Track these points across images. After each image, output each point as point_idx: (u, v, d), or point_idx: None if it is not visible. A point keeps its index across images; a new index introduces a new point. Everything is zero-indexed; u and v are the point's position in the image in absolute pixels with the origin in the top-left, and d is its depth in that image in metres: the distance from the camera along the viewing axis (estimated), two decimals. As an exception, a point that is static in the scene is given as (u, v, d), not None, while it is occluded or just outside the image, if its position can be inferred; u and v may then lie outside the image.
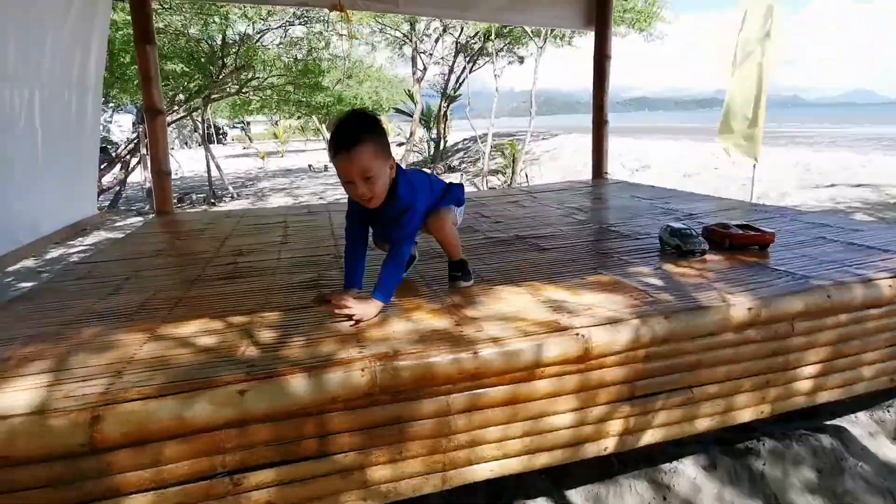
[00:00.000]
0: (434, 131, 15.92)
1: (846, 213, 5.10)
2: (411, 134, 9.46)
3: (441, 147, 16.39)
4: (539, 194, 4.30)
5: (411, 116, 15.75)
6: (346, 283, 1.60)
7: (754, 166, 6.01)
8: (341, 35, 16.48)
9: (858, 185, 5.98)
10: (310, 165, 15.44)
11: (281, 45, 9.07)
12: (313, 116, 11.75)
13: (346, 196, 1.55)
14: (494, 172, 10.56)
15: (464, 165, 14.47)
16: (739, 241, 2.19)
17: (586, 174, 5.19)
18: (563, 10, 4.67)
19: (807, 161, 7.64)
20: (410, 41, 10.03)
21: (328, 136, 1.69)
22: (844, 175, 6.57)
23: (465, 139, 17.59)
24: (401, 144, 15.49)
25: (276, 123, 26.23)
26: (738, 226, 2.28)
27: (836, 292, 1.72)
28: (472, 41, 13.86)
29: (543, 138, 15.23)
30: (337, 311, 1.44)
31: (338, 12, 3.92)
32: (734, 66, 5.70)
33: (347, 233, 1.62)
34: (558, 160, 11.61)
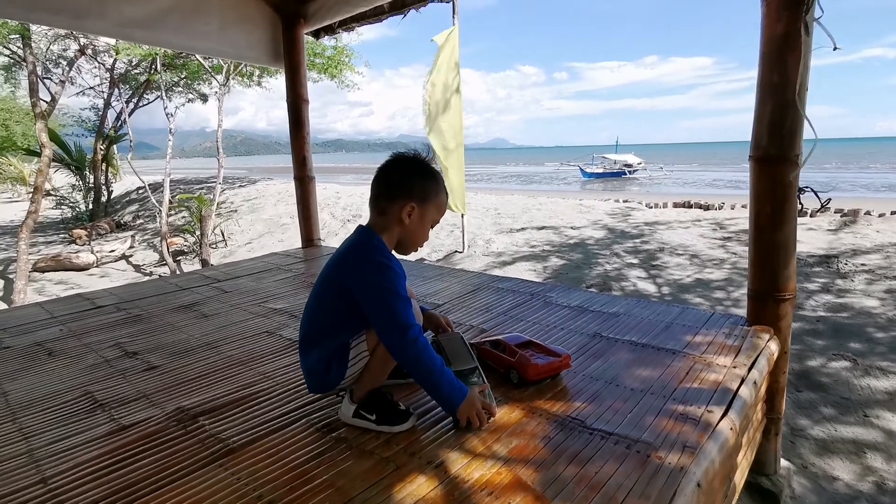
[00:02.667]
0: (91, 180, 12.39)
1: (543, 257, 5.44)
2: (35, 188, 6.73)
3: (105, 199, 12.93)
4: (230, 282, 3.06)
5: (65, 159, 11.93)
6: (462, 391, 1.33)
7: (462, 216, 6.07)
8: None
9: (542, 228, 6.68)
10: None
11: None
12: None
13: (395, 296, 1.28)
14: (180, 231, 8.51)
15: (140, 222, 11.61)
16: (535, 375, 1.51)
17: (293, 229, 4.15)
18: (240, 37, 3.59)
19: (495, 206, 8.41)
20: (24, 62, 7.16)
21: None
22: (527, 217, 7.34)
23: (139, 188, 14.40)
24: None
25: None
26: (518, 345, 1.62)
27: (697, 469, 1.14)
28: (135, 71, 11.32)
29: (241, 185, 13.57)
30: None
31: None
32: (430, 115, 5.60)
33: (426, 344, 1.29)
34: (260, 211, 10.25)
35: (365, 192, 11.37)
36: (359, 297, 1.30)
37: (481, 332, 2.02)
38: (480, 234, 6.65)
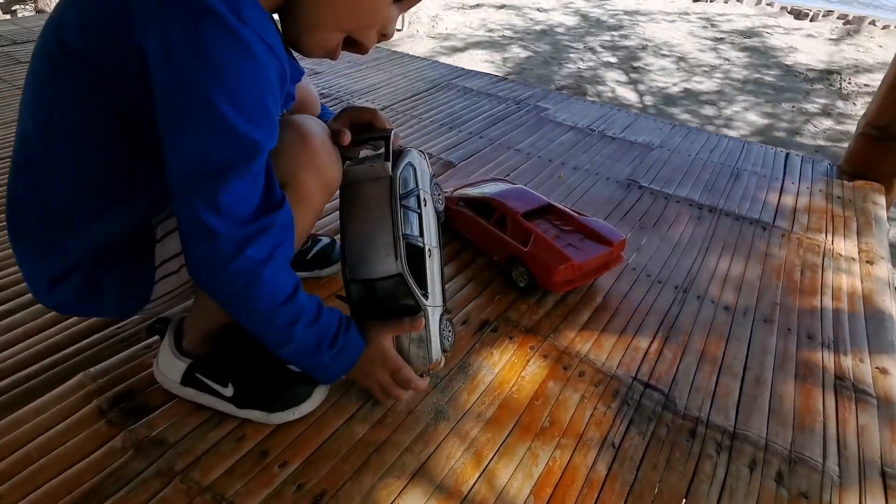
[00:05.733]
0: None
1: (502, 45, 4.36)
2: None
3: None
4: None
5: None
6: (354, 349, 0.60)
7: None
8: None
9: (502, 7, 5.34)
10: None
11: None
12: None
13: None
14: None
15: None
16: (565, 284, 0.78)
17: None
18: None
19: (443, -30, 6.64)
20: None
21: None
22: (482, -11, 5.85)
23: None
24: None
25: None
26: (529, 213, 0.85)
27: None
28: None
29: None
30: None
31: None
32: None
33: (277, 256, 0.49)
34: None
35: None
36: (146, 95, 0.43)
37: (446, 170, 1.20)
38: (424, 7, 5.23)
